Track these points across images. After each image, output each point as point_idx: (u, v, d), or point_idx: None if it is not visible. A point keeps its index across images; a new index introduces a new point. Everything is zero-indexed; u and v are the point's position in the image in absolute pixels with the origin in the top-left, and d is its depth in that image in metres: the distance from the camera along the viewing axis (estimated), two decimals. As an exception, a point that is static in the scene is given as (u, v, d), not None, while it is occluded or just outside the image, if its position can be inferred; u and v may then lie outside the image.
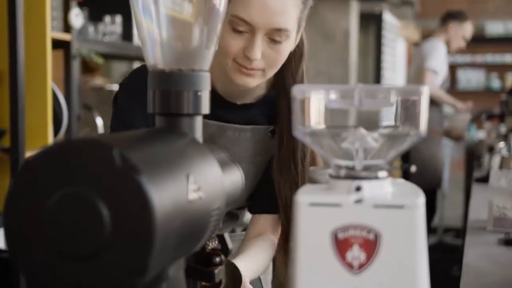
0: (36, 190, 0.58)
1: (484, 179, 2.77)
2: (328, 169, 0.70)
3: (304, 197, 0.66)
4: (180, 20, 0.77)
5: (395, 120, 0.70)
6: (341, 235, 0.65)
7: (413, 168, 0.71)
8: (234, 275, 1.22)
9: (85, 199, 0.57)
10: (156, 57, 0.75)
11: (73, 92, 3.36)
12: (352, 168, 0.68)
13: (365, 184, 0.66)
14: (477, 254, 1.65)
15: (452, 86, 8.41)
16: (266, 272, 1.60)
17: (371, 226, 0.65)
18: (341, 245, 0.65)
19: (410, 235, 0.65)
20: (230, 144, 1.44)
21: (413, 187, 0.70)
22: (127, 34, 3.92)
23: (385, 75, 7.08)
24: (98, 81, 4.41)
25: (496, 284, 1.42)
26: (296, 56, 1.43)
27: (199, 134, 0.76)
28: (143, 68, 1.37)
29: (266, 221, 1.50)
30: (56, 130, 3.18)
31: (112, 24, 3.84)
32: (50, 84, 3.02)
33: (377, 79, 6.94)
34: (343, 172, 0.68)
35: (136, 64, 4.27)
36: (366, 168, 0.68)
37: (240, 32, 1.29)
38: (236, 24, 1.28)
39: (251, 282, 1.43)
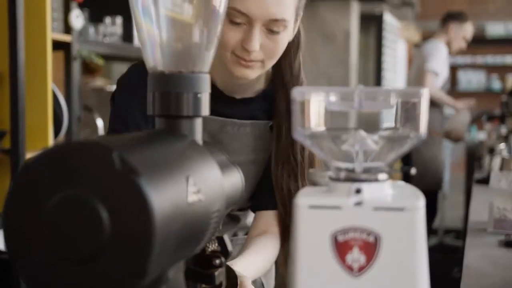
0: (35, 192, 0.58)
1: (485, 181, 2.77)
2: (328, 171, 0.70)
3: (304, 199, 0.66)
4: (180, 21, 0.77)
5: (395, 122, 0.70)
6: (341, 238, 0.65)
7: (413, 171, 0.71)
8: (229, 276, 1.22)
9: (84, 202, 0.57)
10: (156, 59, 0.75)
11: (73, 93, 3.37)
12: (352, 171, 0.68)
13: (365, 186, 0.66)
14: (478, 255, 1.65)
15: (452, 87, 8.42)
16: (268, 275, 1.59)
17: (371, 228, 0.64)
18: (341, 248, 0.65)
19: (410, 238, 0.64)
20: (229, 140, 1.43)
21: (413, 190, 0.70)
22: (127, 35, 3.93)
23: (386, 76, 7.08)
24: (98, 82, 4.41)
25: (496, 286, 1.42)
26: (293, 46, 1.42)
27: (199, 136, 0.75)
28: (140, 64, 1.37)
29: (269, 218, 1.47)
30: (57, 132, 3.19)
31: (113, 25, 3.85)
32: (51, 85, 3.02)
33: (378, 80, 6.94)
34: (343, 175, 0.68)
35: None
36: (366, 171, 0.67)
37: (237, 24, 1.28)
38: (233, 16, 1.27)
39: (253, 283, 1.42)
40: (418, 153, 4.67)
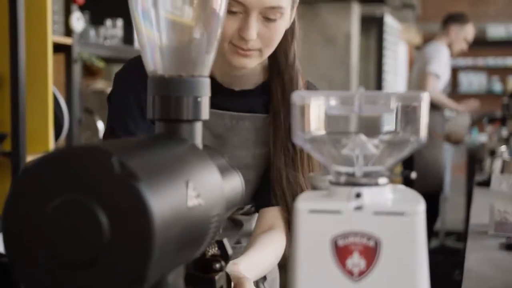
0: (35, 196, 0.58)
1: (486, 183, 2.77)
2: (328, 176, 0.70)
3: (304, 204, 0.66)
4: (180, 25, 0.77)
5: (396, 126, 0.70)
6: (341, 242, 0.65)
7: (413, 175, 0.71)
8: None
9: (84, 206, 0.57)
10: (155, 62, 0.75)
11: (74, 96, 3.37)
12: (352, 175, 0.67)
13: (365, 190, 0.66)
14: (479, 258, 1.65)
15: (453, 89, 8.42)
16: (273, 280, 1.58)
17: (371, 233, 0.64)
18: (341, 252, 0.65)
19: (410, 242, 0.64)
20: (228, 134, 1.42)
21: (414, 194, 0.70)
22: (128, 37, 3.93)
23: (387, 78, 7.08)
24: (99, 84, 4.41)
25: (497, 289, 1.42)
26: (288, 35, 1.41)
27: (199, 140, 0.75)
28: (138, 58, 1.36)
29: (273, 214, 1.44)
30: (57, 134, 3.19)
31: (113, 28, 3.85)
32: (51, 88, 3.02)
33: (379, 82, 6.94)
34: (343, 179, 0.67)
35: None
36: (366, 175, 0.67)
37: (233, 13, 1.27)
38: (230, 5, 1.25)
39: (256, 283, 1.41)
40: (419, 156, 4.67)
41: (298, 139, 0.69)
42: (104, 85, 4.28)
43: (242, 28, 1.28)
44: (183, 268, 0.72)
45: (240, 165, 1.41)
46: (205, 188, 0.68)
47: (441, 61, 4.87)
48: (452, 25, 5.00)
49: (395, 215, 0.64)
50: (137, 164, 0.58)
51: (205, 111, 0.75)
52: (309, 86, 1.51)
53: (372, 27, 6.92)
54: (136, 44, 3.93)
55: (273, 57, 1.41)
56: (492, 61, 8.99)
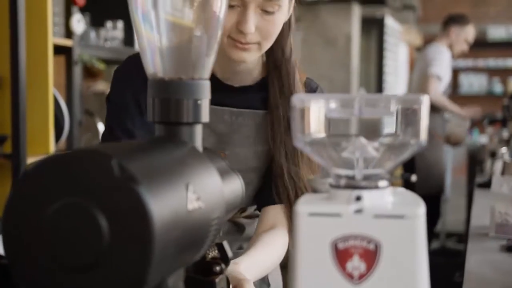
0: (35, 199, 0.58)
1: (486, 185, 2.77)
2: (328, 178, 0.70)
3: (304, 207, 0.66)
4: (180, 27, 0.77)
5: (396, 129, 0.70)
6: (341, 245, 0.65)
7: (413, 178, 0.71)
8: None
9: (83, 209, 0.57)
10: (155, 65, 0.75)
11: (74, 98, 3.37)
12: (352, 178, 0.67)
13: (365, 193, 0.65)
14: (479, 260, 1.64)
15: (454, 90, 8.42)
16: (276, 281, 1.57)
17: (371, 236, 0.64)
18: (341, 256, 0.65)
19: (410, 245, 0.64)
20: (229, 131, 1.42)
21: (414, 197, 0.69)
22: (128, 39, 3.93)
23: (387, 79, 7.08)
24: (100, 86, 4.42)
25: (498, 291, 1.42)
26: (284, 28, 1.40)
27: (199, 143, 0.75)
28: (136, 55, 1.36)
29: (276, 212, 1.43)
30: (58, 136, 3.19)
31: (114, 30, 3.85)
32: (52, 89, 3.02)
33: (379, 83, 6.94)
34: (343, 182, 0.67)
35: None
36: (366, 178, 0.67)
37: (231, 6, 1.26)
38: None
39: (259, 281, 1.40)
40: (421, 157, 4.66)
41: (298, 142, 0.69)
42: (104, 87, 4.28)
43: (240, 22, 1.27)
44: (183, 271, 0.72)
45: (241, 163, 1.40)
46: (205, 191, 0.68)
47: (442, 63, 4.87)
48: (452, 27, 5.00)
49: (395, 218, 0.64)
50: (137, 167, 0.58)
51: (205, 114, 0.75)
52: (310, 83, 1.51)
53: (373, 28, 6.92)
54: (137, 45, 3.93)
55: (270, 51, 1.41)
56: (493, 62, 8.99)
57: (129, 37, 3.92)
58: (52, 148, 3.02)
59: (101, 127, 3.69)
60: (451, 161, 5.82)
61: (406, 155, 0.69)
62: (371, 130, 0.69)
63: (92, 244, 0.56)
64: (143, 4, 0.74)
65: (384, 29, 6.92)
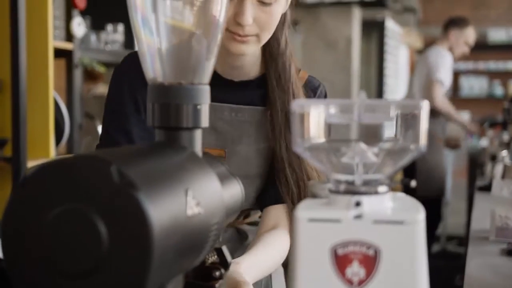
0: (34, 205, 0.58)
1: (487, 188, 2.77)
2: (327, 184, 0.70)
3: (303, 212, 0.66)
4: (180, 32, 0.77)
5: (396, 135, 0.70)
6: (340, 251, 0.64)
7: (413, 183, 0.71)
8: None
9: (83, 215, 0.56)
10: (155, 70, 0.75)
11: (75, 101, 3.37)
12: (351, 183, 0.67)
13: (364, 199, 0.65)
14: (479, 264, 1.64)
15: (454, 93, 8.43)
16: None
17: (370, 242, 0.64)
18: (340, 261, 0.64)
19: (410, 251, 0.64)
20: (229, 128, 1.41)
21: (413, 202, 0.69)
22: (129, 42, 3.93)
23: (388, 82, 7.08)
24: (100, 89, 4.42)
25: (498, 295, 1.42)
26: (279, 21, 1.39)
27: (198, 148, 0.75)
28: (135, 53, 1.35)
29: (277, 212, 1.42)
30: (58, 139, 3.19)
31: (114, 33, 3.85)
32: (52, 93, 3.02)
33: (380, 86, 6.95)
34: (342, 187, 0.67)
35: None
36: (366, 183, 0.67)
37: None
38: None
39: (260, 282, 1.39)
40: (422, 161, 4.66)
41: (298, 147, 0.69)
42: (105, 90, 4.28)
43: (237, 14, 1.27)
44: (183, 277, 0.72)
45: (243, 162, 1.40)
46: (204, 196, 0.68)
47: (446, 68, 4.87)
48: (452, 29, 5.01)
49: (394, 224, 0.64)
50: (136, 173, 0.58)
51: (205, 119, 0.75)
52: (312, 81, 1.50)
53: (373, 31, 6.92)
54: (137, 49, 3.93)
55: (266, 44, 1.40)
56: (493, 65, 8.99)
57: (129, 40, 3.92)
58: (52, 151, 3.02)
59: (101, 130, 3.69)
60: (452, 164, 5.82)
61: (406, 160, 0.69)
62: (371, 135, 0.69)
63: (92, 250, 0.56)
64: (142, 8, 0.74)
65: (384, 31, 6.93)
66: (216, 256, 0.82)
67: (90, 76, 4.43)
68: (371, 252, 0.64)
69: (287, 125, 1.38)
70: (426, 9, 8.82)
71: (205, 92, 0.75)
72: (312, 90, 1.49)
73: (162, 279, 0.60)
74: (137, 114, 1.35)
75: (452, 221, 5.86)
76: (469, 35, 5.06)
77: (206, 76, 0.77)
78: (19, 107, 2.73)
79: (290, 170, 1.39)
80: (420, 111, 0.68)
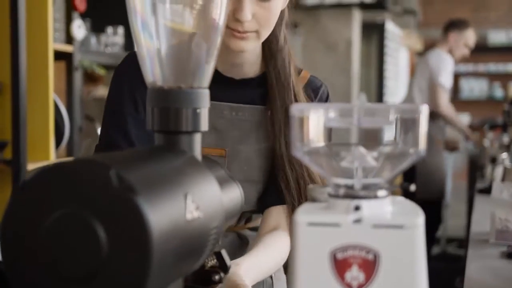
0: (33, 210, 0.58)
1: (487, 190, 2.77)
2: (327, 188, 0.70)
3: (303, 216, 0.66)
4: (179, 36, 0.77)
5: (395, 139, 0.70)
6: (340, 255, 0.64)
7: (412, 187, 0.71)
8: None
9: (82, 220, 0.56)
10: (155, 74, 0.75)
11: (75, 104, 3.37)
12: (351, 187, 0.67)
13: (364, 203, 0.65)
14: (479, 267, 1.64)
15: (454, 95, 8.41)
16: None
17: (370, 246, 0.64)
18: (340, 265, 0.64)
19: (409, 255, 0.64)
20: (229, 127, 1.40)
21: (413, 206, 0.69)
22: (129, 45, 3.93)
23: (388, 84, 7.08)
24: (100, 91, 4.42)
25: (498, 298, 1.42)
26: (278, 17, 1.38)
27: (198, 152, 0.75)
28: (134, 53, 1.35)
29: (278, 213, 1.41)
30: (58, 142, 3.19)
31: (114, 35, 3.85)
32: (52, 95, 3.02)
33: (380, 88, 6.94)
34: (342, 191, 0.67)
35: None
36: (366, 187, 0.67)
37: None
38: None
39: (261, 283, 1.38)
40: (422, 163, 4.66)
41: (297, 151, 0.69)
42: (105, 92, 4.28)
43: (236, 10, 1.26)
44: (182, 281, 0.72)
45: (244, 162, 1.40)
46: (204, 200, 0.68)
47: (447, 72, 4.88)
48: (451, 32, 5.01)
49: (394, 228, 0.64)
50: (135, 178, 0.58)
51: (204, 123, 0.75)
52: (314, 81, 1.50)
53: (373, 33, 6.92)
54: (137, 51, 3.93)
55: (265, 41, 1.40)
56: (493, 67, 8.99)
57: (129, 42, 3.92)
58: (52, 154, 3.02)
59: (100, 129, 3.68)
60: (452, 166, 5.82)
61: (405, 164, 0.69)
62: (370, 139, 0.69)
63: (91, 254, 0.56)
64: (142, 12, 0.74)
65: (384, 34, 6.92)
66: (215, 260, 0.82)
67: (90, 78, 4.43)
68: (370, 256, 0.64)
69: (286, 122, 1.38)
70: (426, 11, 8.82)
71: (205, 96, 0.75)
72: (314, 90, 1.48)
73: (161, 283, 0.60)
74: (137, 114, 1.35)
75: (452, 223, 5.86)
76: (469, 37, 5.06)
77: (206, 79, 0.77)
78: (19, 110, 2.73)
79: (289, 167, 1.38)
80: (419, 115, 0.68)
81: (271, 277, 1.47)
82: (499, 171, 2.65)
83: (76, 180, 0.57)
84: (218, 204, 0.72)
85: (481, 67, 8.99)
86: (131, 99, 1.35)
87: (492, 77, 9.05)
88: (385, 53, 6.97)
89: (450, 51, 5.01)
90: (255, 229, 1.50)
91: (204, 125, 0.75)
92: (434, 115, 4.71)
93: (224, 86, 1.40)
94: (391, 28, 7.12)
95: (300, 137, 0.69)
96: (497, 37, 8.84)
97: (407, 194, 3.80)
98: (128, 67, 1.38)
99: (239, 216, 1.46)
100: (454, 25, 5.05)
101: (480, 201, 2.79)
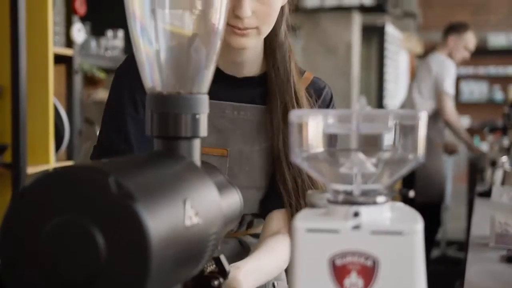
0: (32, 216, 0.58)
1: (487, 193, 2.76)
2: (326, 194, 0.70)
3: (302, 223, 0.66)
4: (179, 42, 0.77)
5: (394, 145, 0.70)
6: (339, 262, 0.64)
7: (411, 193, 0.71)
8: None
9: (81, 226, 0.57)
10: (154, 80, 0.75)
11: (75, 107, 3.37)
12: (350, 193, 0.67)
13: (363, 209, 0.65)
14: (479, 271, 1.64)
15: (455, 98, 8.41)
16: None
17: (369, 252, 0.64)
18: (339, 272, 0.64)
19: (408, 262, 0.64)
20: (230, 126, 1.40)
21: (412, 212, 0.69)
22: (129, 48, 3.92)
23: (388, 87, 7.08)
24: (100, 94, 4.42)
25: (498, 303, 1.42)
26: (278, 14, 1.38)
27: (197, 157, 0.75)
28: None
29: (281, 217, 1.41)
30: (58, 145, 3.19)
31: (114, 39, 3.85)
32: (52, 99, 3.02)
33: (380, 91, 6.94)
34: (341, 197, 0.67)
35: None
36: (364, 193, 0.67)
37: None
38: None
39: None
40: (421, 166, 4.65)
41: (296, 157, 0.69)
42: (105, 95, 4.28)
43: (236, 6, 1.26)
44: (181, 286, 0.72)
45: (245, 163, 1.39)
46: (203, 206, 0.68)
47: (450, 77, 4.87)
48: (451, 35, 5.01)
49: (393, 235, 0.64)
50: (134, 184, 0.58)
51: (204, 128, 0.75)
52: (317, 82, 1.49)
53: (373, 36, 6.92)
54: (137, 54, 3.93)
55: (266, 39, 1.40)
56: (493, 70, 8.98)
57: (129, 46, 3.90)
58: (52, 157, 3.02)
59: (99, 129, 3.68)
60: (452, 169, 5.82)
61: (404, 170, 0.69)
62: (369, 145, 0.69)
63: (90, 261, 0.56)
64: (141, 18, 0.75)
65: (384, 37, 6.92)
66: (214, 265, 0.82)
67: (90, 82, 4.43)
68: (369, 263, 0.64)
69: (285, 119, 1.37)
70: (426, 14, 8.82)
71: (204, 102, 0.75)
72: (318, 91, 1.47)
73: (160, 289, 0.60)
74: (136, 115, 1.35)
75: (452, 226, 5.86)
76: (469, 40, 5.06)
77: (205, 85, 0.77)
78: (19, 113, 2.73)
79: (286, 165, 1.37)
80: (418, 121, 0.68)
81: (273, 285, 1.47)
82: (499, 174, 2.65)
83: (76, 187, 0.58)
84: (217, 210, 0.72)
85: (481, 70, 8.99)
86: (131, 99, 1.35)
87: (492, 80, 9.05)
88: (385, 56, 6.97)
89: (450, 54, 5.00)
90: (256, 235, 1.49)
91: (203, 130, 0.75)
92: (433, 118, 4.71)
93: (225, 85, 1.39)
94: (391, 31, 7.13)
95: (299, 143, 0.69)
96: (497, 40, 8.84)
97: (406, 199, 3.81)
98: (128, 67, 1.38)
99: (240, 220, 1.46)
100: (454, 28, 5.05)
101: (480, 205, 2.79)
